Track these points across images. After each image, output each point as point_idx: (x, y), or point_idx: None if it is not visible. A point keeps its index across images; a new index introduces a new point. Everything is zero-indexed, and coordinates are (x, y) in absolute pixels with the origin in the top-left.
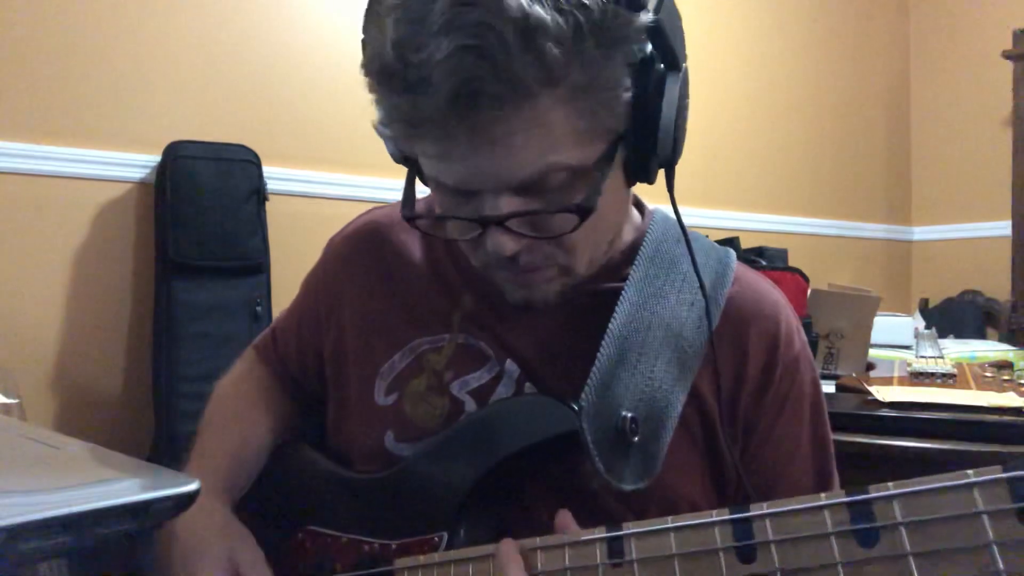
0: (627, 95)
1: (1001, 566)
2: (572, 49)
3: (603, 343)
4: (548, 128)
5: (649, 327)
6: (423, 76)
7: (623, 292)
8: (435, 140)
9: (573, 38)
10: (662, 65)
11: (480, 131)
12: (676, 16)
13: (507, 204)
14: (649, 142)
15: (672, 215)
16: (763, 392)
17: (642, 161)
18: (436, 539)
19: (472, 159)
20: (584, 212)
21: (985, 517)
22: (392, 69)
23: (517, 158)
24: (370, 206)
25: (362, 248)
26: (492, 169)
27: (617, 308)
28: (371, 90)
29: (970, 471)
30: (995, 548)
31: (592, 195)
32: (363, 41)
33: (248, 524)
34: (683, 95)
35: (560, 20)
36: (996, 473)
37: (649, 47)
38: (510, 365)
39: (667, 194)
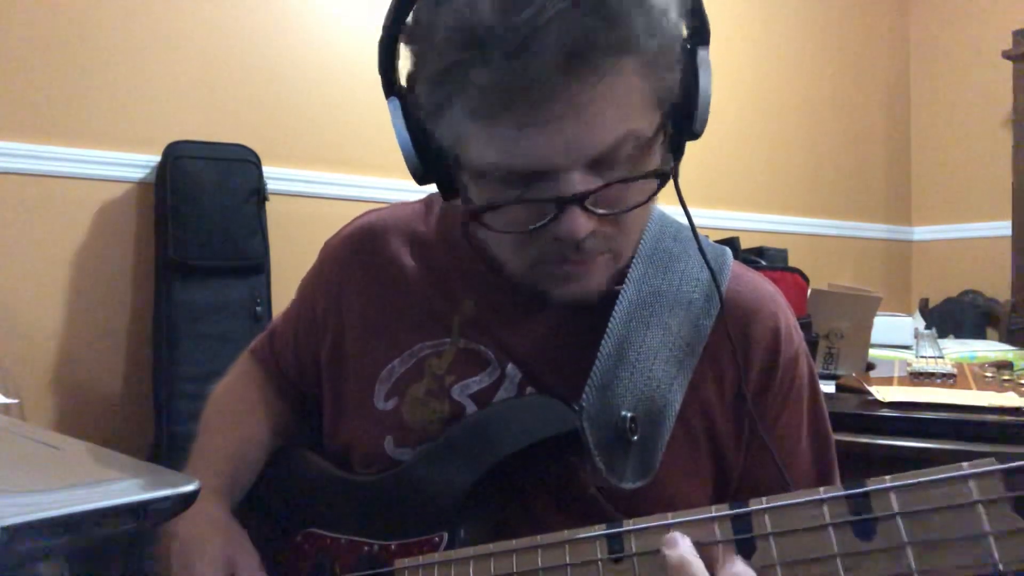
0: (680, 67)
1: (997, 555)
2: (661, 9)
3: (603, 342)
4: (629, 94)
5: (648, 326)
6: (529, 36)
7: (622, 291)
8: (531, 107)
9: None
10: (698, 40)
11: (579, 93)
12: None
13: (581, 182)
14: (688, 117)
15: (667, 213)
16: (765, 390)
17: (680, 136)
18: (436, 539)
19: (561, 126)
20: (664, 177)
21: (981, 507)
22: (493, 34)
23: (603, 125)
24: (370, 206)
25: (358, 251)
26: (578, 137)
27: (616, 307)
28: (445, 75)
29: (965, 463)
30: (991, 538)
31: (666, 160)
32: (404, 26)
33: (248, 526)
34: None
35: None
36: (991, 465)
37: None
38: (511, 369)
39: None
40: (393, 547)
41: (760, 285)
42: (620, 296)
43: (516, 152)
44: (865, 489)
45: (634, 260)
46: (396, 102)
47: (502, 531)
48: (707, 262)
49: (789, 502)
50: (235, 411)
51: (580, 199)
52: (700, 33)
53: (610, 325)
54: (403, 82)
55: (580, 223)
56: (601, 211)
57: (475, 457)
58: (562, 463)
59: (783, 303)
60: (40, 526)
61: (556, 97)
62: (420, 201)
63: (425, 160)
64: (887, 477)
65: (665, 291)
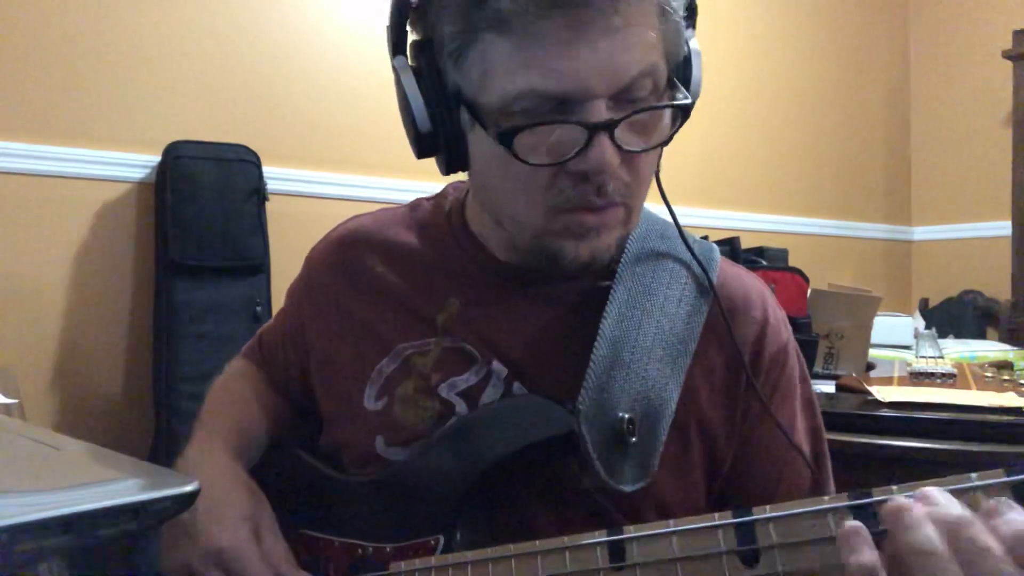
0: (682, 32)
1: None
2: None
3: (596, 344)
4: (651, 28)
5: (640, 326)
6: None
7: (612, 292)
8: (578, 11)
9: None
10: (689, 20)
11: (622, 8)
12: None
13: (607, 113)
14: (684, 83)
15: (653, 212)
16: (755, 381)
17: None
18: (432, 542)
19: (600, 44)
20: (686, 113)
21: None
22: None
23: (637, 49)
24: (370, 206)
25: (342, 256)
26: (613, 58)
27: (607, 308)
28: None
29: (973, 474)
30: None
31: (684, 96)
32: None
33: None
34: None
35: None
36: (999, 477)
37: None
38: (497, 366)
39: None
40: (388, 549)
41: (748, 280)
42: (610, 297)
43: (552, 69)
44: (872, 500)
45: (622, 259)
46: (403, 60)
47: (498, 533)
48: (696, 258)
49: (794, 511)
50: (235, 398)
51: (610, 126)
52: (691, 16)
53: (602, 326)
54: (412, 53)
55: (609, 153)
56: (627, 147)
57: (470, 458)
58: (558, 464)
59: (771, 298)
60: (40, 526)
61: (601, 8)
62: (406, 205)
63: (434, 119)
64: (893, 487)
65: (655, 290)
